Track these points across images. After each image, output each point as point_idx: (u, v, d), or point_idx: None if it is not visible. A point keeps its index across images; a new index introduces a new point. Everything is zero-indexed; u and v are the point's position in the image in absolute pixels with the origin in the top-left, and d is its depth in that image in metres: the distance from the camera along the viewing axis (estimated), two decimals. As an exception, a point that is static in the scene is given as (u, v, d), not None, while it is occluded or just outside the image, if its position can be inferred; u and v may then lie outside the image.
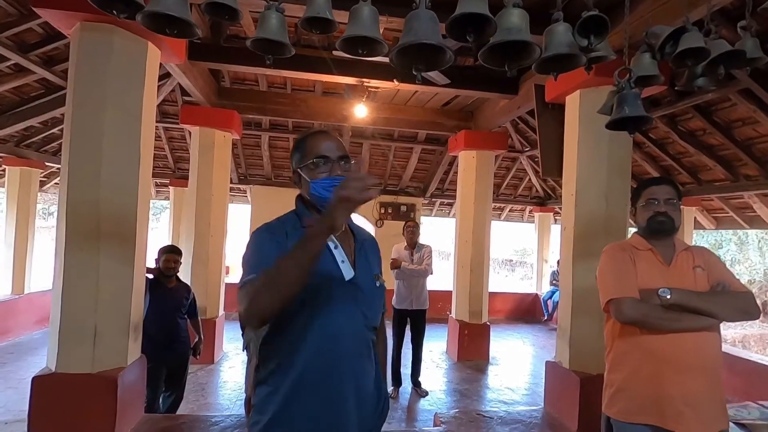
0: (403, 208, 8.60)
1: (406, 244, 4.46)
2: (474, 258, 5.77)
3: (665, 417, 1.60)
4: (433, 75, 3.54)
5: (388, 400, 1.29)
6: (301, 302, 1.05)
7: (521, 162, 8.26)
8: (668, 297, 1.59)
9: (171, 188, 8.69)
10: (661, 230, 1.75)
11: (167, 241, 6.90)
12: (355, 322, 1.15)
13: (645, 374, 1.65)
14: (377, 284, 1.24)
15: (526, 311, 9.27)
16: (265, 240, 1.13)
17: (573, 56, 1.37)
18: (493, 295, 8.77)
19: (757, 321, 11.65)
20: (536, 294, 9.46)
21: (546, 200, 9.37)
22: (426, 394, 4.55)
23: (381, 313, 1.29)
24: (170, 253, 3.26)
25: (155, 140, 3.67)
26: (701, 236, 12.25)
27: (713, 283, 1.67)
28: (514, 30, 1.36)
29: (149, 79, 2.95)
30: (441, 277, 8.02)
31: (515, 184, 9.15)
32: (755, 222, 6.21)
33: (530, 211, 10.13)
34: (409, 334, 4.50)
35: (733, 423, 3.85)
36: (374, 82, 4.38)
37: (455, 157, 6.81)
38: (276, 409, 1.09)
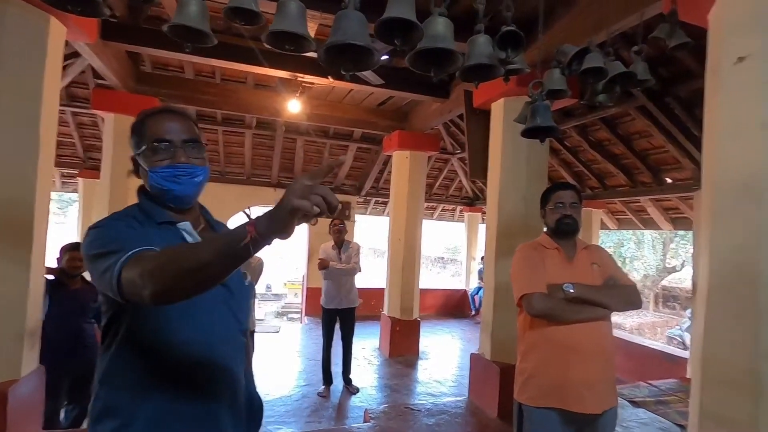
0: (339, 207, 8.57)
1: (333, 243, 4.44)
2: (406, 256, 5.91)
3: (569, 400, 1.77)
4: (367, 75, 3.57)
5: (262, 408, 1.17)
6: (163, 309, 0.89)
7: (452, 164, 8.60)
8: (571, 291, 1.77)
9: (80, 180, 7.85)
10: (567, 231, 1.93)
11: (76, 238, 6.24)
12: (228, 327, 1.01)
13: (552, 362, 1.82)
14: (246, 283, 1.11)
15: (456, 307, 9.69)
16: (116, 224, 0.94)
17: (492, 67, 1.46)
18: (424, 291, 9.05)
19: (651, 310, 13.25)
20: (465, 290, 9.92)
21: (475, 201, 9.86)
22: (357, 391, 4.59)
23: (251, 315, 1.16)
24: (75, 251, 2.96)
25: (61, 126, 3.30)
26: (606, 235, 13.67)
27: (606, 278, 1.88)
28: (439, 38, 1.42)
29: (52, 58, 2.64)
30: (376, 275, 8.11)
31: (447, 185, 9.51)
32: (649, 223, 7.06)
33: (460, 211, 10.59)
34: (339, 332, 4.50)
35: (628, 401, 4.35)
36: (308, 78, 4.31)
37: (390, 156, 6.92)
38: None
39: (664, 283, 13.83)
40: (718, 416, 1.88)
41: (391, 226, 6.16)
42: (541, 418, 1.83)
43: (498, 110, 3.68)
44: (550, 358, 1.82)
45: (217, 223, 1.19)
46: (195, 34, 1.34)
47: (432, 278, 20.42)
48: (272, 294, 12.83)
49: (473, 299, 9.29)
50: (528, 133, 1.75)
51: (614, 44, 2.11)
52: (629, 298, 1.84)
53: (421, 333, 6.29)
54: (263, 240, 0.72)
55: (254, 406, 1.13)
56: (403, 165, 5.95)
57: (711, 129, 2.04)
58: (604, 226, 7.59)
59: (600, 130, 5.44)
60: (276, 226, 0.71)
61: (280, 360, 5.79)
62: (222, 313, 1.00)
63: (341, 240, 4.47)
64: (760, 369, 1.73)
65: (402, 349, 5.97)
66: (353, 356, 4.73)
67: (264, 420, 1.20)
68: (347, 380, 4.64)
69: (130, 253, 0.80)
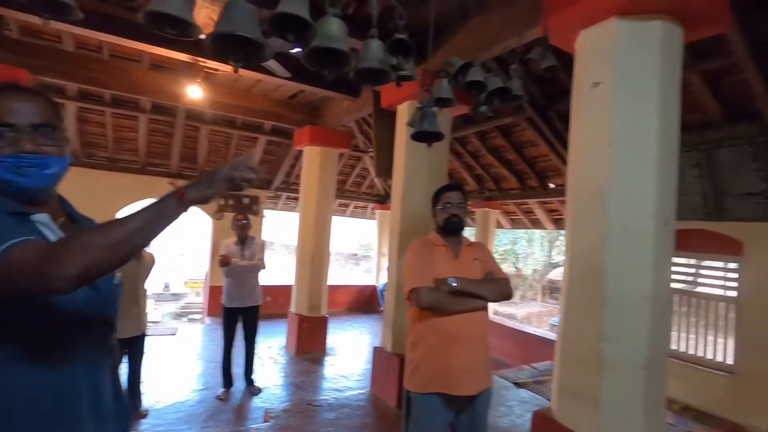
0: (246, 200, 8.20)
1: (236, 239, 4.24)
2: (315, 252, 5.88)
3: (450, 384, 1.93)
4: (273, 66, 3.47)
5: (129, 412, 1.11)
6: (23, 307, 0.82)
7: (365, 162, 8.73)
8: (454, 285, 1.92)
9: None
10: (454, 229, 2.10)
11: None
12: (92, 327, 0.95)
13: (436, 351, 1.96)
14: (114, 281, 1.04)
15: (365, 303, 9.87)
16: None
17: (384, 72, 1.53)
18: (333, 288, 9.07)
19: (539, 301, 14.82)
20: (375, 286, 10.14)
21: (386, 199, 10.12)
22: (259, 391, 4.45)
23: (117, 316, 1.08)
24: None
25: None
26: (503, 234, 15.01)
27: (485, 273, 2.08)
28: (332, 38, 1.44)
29: None
30: (287, 272, 7.92)
31: (359, 182, 9.62)
32: (537, 224, 7.89)
33: (372, 209, 10.79)
34: (242, 332, 4.33)
35: (512, 383, 4.83)
36: (211, 64, 4.06)
37: (301, 151, 6.81)
38: None
39: (550, 276, 15.70)
40: (573, 390, 2.19)
41: (300, 223, 6.07)
42: (425, 403, 1.97)
43: (403, 113, 3.83)
44: (434, 347, 1.96)
45: (83, 217, 1.07)
46: (55, 3, 1.19)
47: (345, 275, 20.52)
48: (171, 294, 11.85)
49: (382, 294, 9.54)
50: (416, 137, 1.86)
51: (507, 61, 2.33)
52: (503, 290, 2.05)
53: (330, 329, 6.30)
54: (191, 203, 0.83)
55: (121, 410, 1.06)
56: (314, 161, 5.90)
57: (573, 144, 2.36)
58: (499, 225, 8.32)
59: (496, 137, 5.95)
60: (206, 191, 0.84)
61: (175, 364, 5.39)
62: (87, 313, 0.93)
63: (245, 236, 4.29)
64: (603, 350, 2.05)
65: (309, 347, 5.92)
66: (257, 356, 4.58)
67: (153, 430, 1.12)
68: (249, 381, 4.49)
69: (16, 241, 0.76)
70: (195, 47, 3.81)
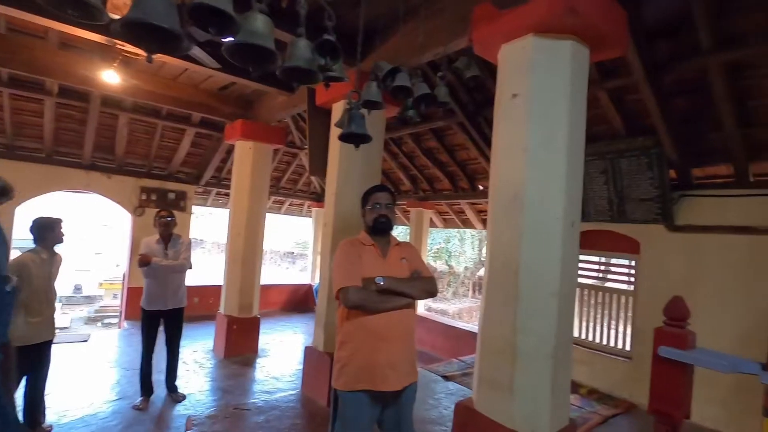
0: (172, 196, 7.70)
1: (158, 236, 3.97)
2: (246, 250, 5.68)
3: (376, 381, 1.97)
4: (199, 55, 3.30)
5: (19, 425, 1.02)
6: None
7: (301, 158, 8.57)
8: (382, 284, 1.97)
9: None
10: (383, 229, 2.15)
11: None
12: None
13: (364, 349, 1.99)
14: (7, 289, 0.94)
15: (300, 302, 9.71)
16: None
17: (311, 71, 1.53)
18: (267, 287, 8.83)
19: (470, 297, 15.53)
20: (310, 285, 10.02)
21: (322, 196, 10.02)
22: (183, 398, 4.21)
23: (9, 325, 0.95)
24: None
25: None
26: (436, 232, 15.57)
27: (412, 271, 2.16)
28: (257, 35, 1.41)
29: None
30: (218, 272, 7.56)
31: (295, 179, 9.44)
32: (468, 223, 8.27)
33: (308, 206, 10.64)
34: (164, 336, 4.07)
35: (441, 376, 5.03)
36: (130, 48, 3.76)
37: (233, 146, 6.53)
38: None
39: (480, 273, 16.56)
40: (491, 380, 2.34)
41: (230, 220, 5.83)
42: (352, 401, 2.00)
43: (338, 111, 3.83)
44: (362, 344, 2.00)
45: None
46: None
47: (280, 273, 20.01)
48: (83, 296, 10.78)
49: (317, 293, 9.45)
50: (344, 138, 1.88)
51: (440, 67, 2.43)
52: (428, 288, 2.14)
53: (263, 330, 6.13)
54: None
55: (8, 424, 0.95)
56: (246, 156, 5.69)
57: (495, 150, 2.51)
58: (433, 225, 8.61)
59: (430, 140, 6.15)
60: None
61: (86, 373, 4.93)
62: None
63: (168, 234, 4.02)
64: (517, 341, 2.21)
65: (239, 349, 5.71)
66: (182, 361, 4.32)
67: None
68: (172, 388, 4.23)
69: None
70: (109, 29, 3.51)
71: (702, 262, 4.17)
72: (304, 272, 18.54)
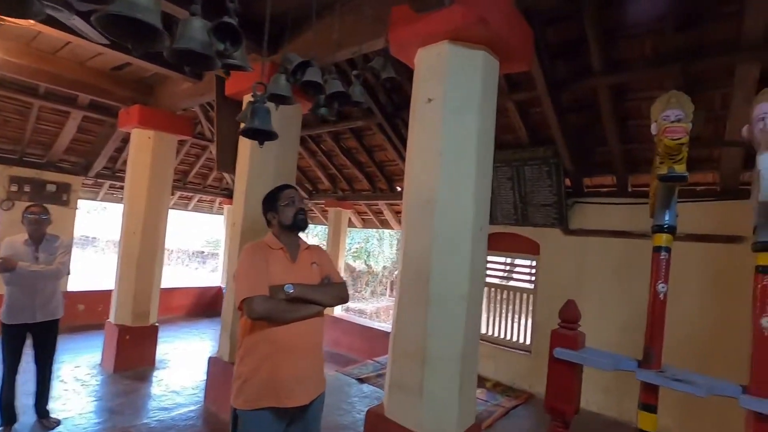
0: (52, 188, 6.66)
1: (26, 237, 3.36)
2: (143, 251, 5.09)
3: (281, 397, 1.83)
4: (80, 26, 2.84)
5: None
6: None
7: (211, 151, 7.97)
8: (291, 291, 1.84)
9: None
10: (303, 226, 2.02)
11: None
12: None
13: (268, 363, 1.84)
14: None
15: (209, 305, 9.04)
16: None
17: (206, 56, 1.35)
18: (170, 291, 8.09)
19: (387, 296, 15.80)
20: (220, 287, 9.37)
21: (236, 193, 9.45)
22: (57, 424, 3.63)
23: None
24: None
25: None
26: (356, 232, 15.60)
27: (323, 277, 2.05)
28: (139, 7, 1.20)
29: None
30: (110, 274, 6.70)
31: (205, 174, 8.76)
32: (386, 224, 8.36)
33: (220, 203, 9.96)
34: (32, 353, 3.46)
35: (355, 379, 4.98)
36: (-10, 10, 3.12)
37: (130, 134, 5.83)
38: None
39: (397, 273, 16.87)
40: (401, 385, 2.32)
41: (124, 217, 5.18)
42: (253, 420, 1.83)
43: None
44: (266, 358, 1.84)
45: None
46: None
47: (188, 274, 18.52)
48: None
49: (229, 296, 8.87)
50: (246, 133, 1.72)
51: (358, 66, 2.34)
52: (340, 294, 2.05)
53: (163, 339, 5.58)
54: None
55: None
56: (145, 146, 5.11)
57: (410, 153, 2.50)
58: (351, 225, 8.56)
59: (350, 139, 6.08)
60: None
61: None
62: None
63: (41, 234, 3.42)
64: (427, 344, 2.22)
65: (132, 362, 5.11)
66: (58, 379, 3.69)
67: None
68: (43, 413, 3.61)
69: None
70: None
71: (589, 262, 4.64)
72: (215, 273, 17.41)
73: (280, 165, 3.58)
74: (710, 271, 3.86)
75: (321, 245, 2.51)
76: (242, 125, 3.51)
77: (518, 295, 5.42)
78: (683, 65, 3.21)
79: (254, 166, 3.52)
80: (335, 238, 7.55)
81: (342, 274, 7.59)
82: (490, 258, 5.69)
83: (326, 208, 7.82)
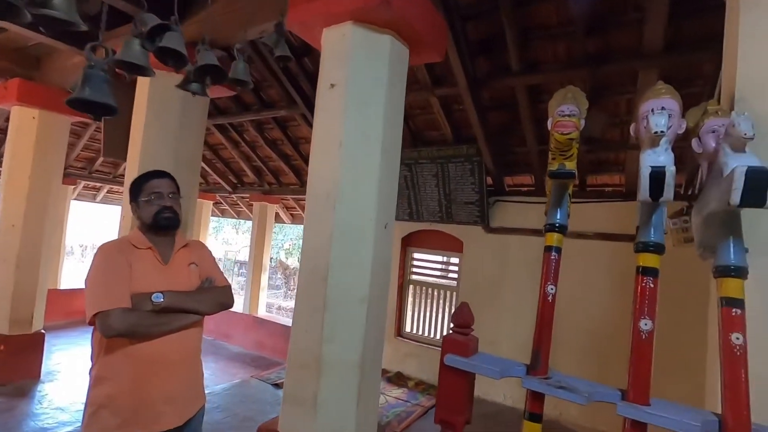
0: None
1: None
2: (24, 247, 4.41)
3: (147, 421, 1.55)
4: None
5: None
6: None
7: (121, 138, 7.20)
8: (161, 301, 1.55)
9: None
10: (168, 226, 1.72)
11: None
12: None
13: (131, 384, 1.54)
14: None
15: (119, 307, 8.20)
16: None
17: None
18: (67, 292, 7.23)
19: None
20: (133, 287, 8.54)
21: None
22: None
23: None
24: None
25: None
26: (289, 228, 15.10)
27: (203, 279, 1.79)
28: None
29: None
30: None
31: (116, 162, 7.91)
32: (317, 219, 8.08)
33: (135, 195, 9.08)
34: None
35: (272, 384, 4.70)
36: None
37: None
38: None
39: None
40: (296, 397, 2.11)
41: (1, 209, 4.46)
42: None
43: (144, 81, 3.17)
44: (128, 380, 1.54)
45: None
46: None
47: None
48: None
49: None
50: (73, 104, 1.41)
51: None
52: (222, 299, 1.79)
53: (55, 346, 4.91)
54: None
55: None
56: (28, 127, 4.42)
57: (313, 143, 2.30)
58: (279, 220, 8.18)
59: (274, 129, 5.73)
60: None
61: None
62: None
63: None
64: (323, 353, 2.03)
65: (11, 375, 4.43)
66: None
67: None
68: None
69: None
70: None
71: (509, 259, 4.73)
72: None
73: (180, 153, 3.21)
74: (617, 269, 4.06)
75: (202, 241, 2.21)
76: (139, 103, 3.11)
77: (442, 292, 5.43)
78: (592, 69, 3.30)
79: (147, 153, 3.12)
80: (260, 233, 7.15)
81: (267, 271, 7.21)
82: (416, 255, 5.65)
83: (251, 202, 7.38)
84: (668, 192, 1.21)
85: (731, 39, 1.58)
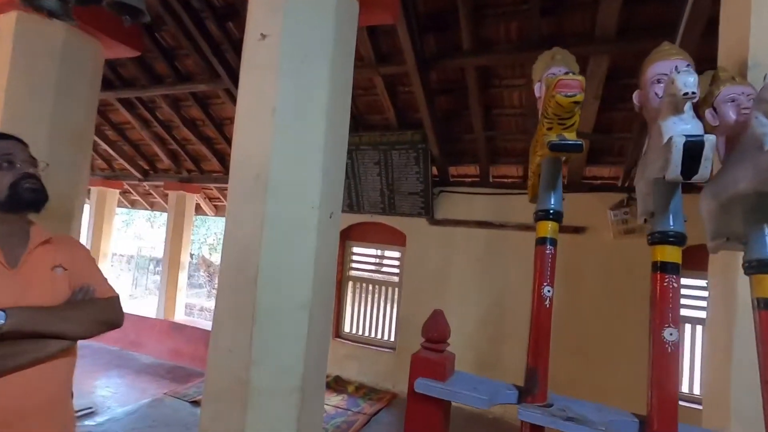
0: None
1: None
2: None
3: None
4: None
5: None
6: None
7: None
8: (1, 324, 1.02)
9: None
10: (35, 201, 1.22)
11: None
12: None
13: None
14: None
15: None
16: None
17: None
18: None
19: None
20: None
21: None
22: None
23: None
24: None
25: None
26: (212, 221, 13.92)
27: (75, 289, 1.26)
28: None
29: None
30: None
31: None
32: (244, 212, 7.35)
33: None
34: None
35: (189, 402, 4.06)
36: None
37: None
38: None
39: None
40: (215, 434, 1.64)
41: None
42: None
43: (7, 29, 2.42)
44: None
45: None
46: None
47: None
48: None
49: None
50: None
51: None
52: (104, 316, 1.28)
53: None
54: None
55: None
56: None
57: (238, 111, 1.82)
58: (201, 212, 7.31)
59: (192, 107, 4.99)
60: None
61: None
62: None
63: None
64: (251, 379, 1.58)
65: None
66: None
67: None
68: None
69: None
70: None
71: (454, 253, 4.53)
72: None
73: (59, 123, 2.51)
74: (558, 260, 4.00)
75: (72, 237, 1.65)
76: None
77: (384, 288, 5.12)
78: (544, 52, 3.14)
79: (13, 118, 2.39)
80: (177, 227, 6.29)
81: (187, 270, 6.39)
82: (355, 250, 5.28)
83: (166, 191, 6.48)
84: (705, 169, 0.95)
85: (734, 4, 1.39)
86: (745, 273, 1.03)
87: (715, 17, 1.76)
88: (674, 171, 0.97)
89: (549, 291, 1.18)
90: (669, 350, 1.00)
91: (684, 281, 4.13)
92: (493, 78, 3.69)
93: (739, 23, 1.34)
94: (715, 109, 1.19)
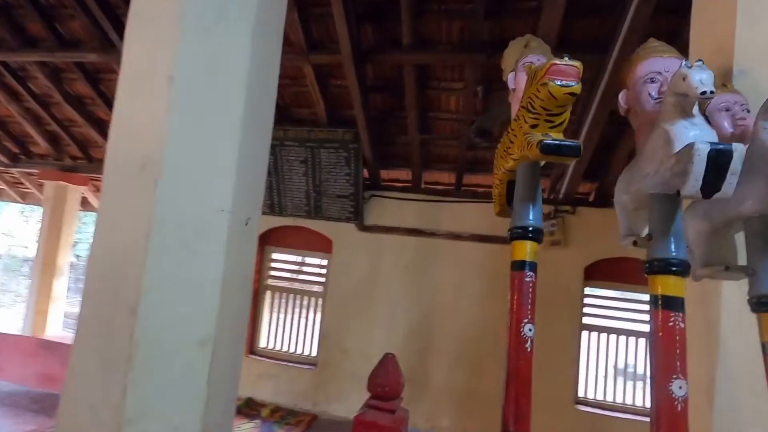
0: None
1: None
2: None
3: None
4: None
5: None
6: None
7: None
8: None
9: None
10: None
11: None
12: None
13: None
14: None
15: None
16: None
17: None
18: None
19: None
20: None
21: None
22: None
23: None
24: None
25: None
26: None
27: None
28: None
29: None
30: None
31: None
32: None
33: None
34: None
35: None
36: None
37: None
38: None
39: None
40: None
41: None
42: None
43: None
44: None
45: None
46: None
47: None
48: None
49: None
50: None
51: None
52: None
53: None
54: None
55: None
56: None
57: (121, 82, 1.36)
58: (90, 207, 6.19)
59: (78, 82, 4.14)
60: None
61: None
62: None
63: None
64: (120, 443, 1.13)
65: None
66: None
67: None
68: None
69: None
70: None
71: (383, 261, 4.28)
72: None
73: None
74: (489, 270, 3.95)
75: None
76: None
77: (306, 299, 4.70)
78: (487, 56, 3.03)
79: None
80: (55, 223, 5.21)
81: (66, 275, 5.35)
82: (275, 256, 4.79)
83: (41, 181, 5.37)
84: (729, 186, 0.78)
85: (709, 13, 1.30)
86: (753, 311, 0.88)
87: (656, 32, 1.72)
88: (694, 186, 0.78)
89: (531, 330, 0.93)
90: (678, 408, 0.80)
91: (605, 293, 4.18)
92: (431, 79, 3.51)
93: (719, 32, 1.24)
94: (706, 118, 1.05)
